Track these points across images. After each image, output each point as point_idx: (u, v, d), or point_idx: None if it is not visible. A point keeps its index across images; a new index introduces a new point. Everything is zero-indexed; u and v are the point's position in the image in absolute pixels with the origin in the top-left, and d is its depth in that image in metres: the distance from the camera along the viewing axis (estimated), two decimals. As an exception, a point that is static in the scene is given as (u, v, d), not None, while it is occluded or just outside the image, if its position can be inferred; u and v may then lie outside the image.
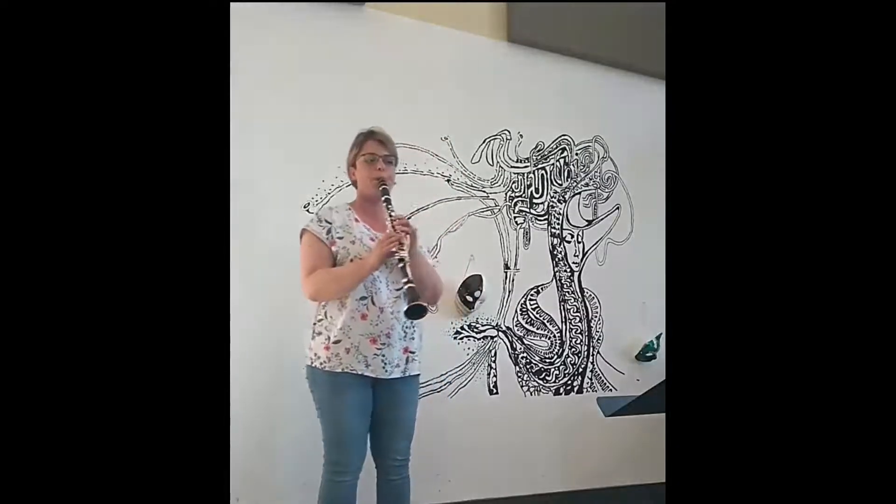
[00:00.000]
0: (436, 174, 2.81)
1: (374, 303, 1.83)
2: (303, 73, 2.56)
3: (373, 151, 1.93)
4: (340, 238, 1.87)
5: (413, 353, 1.91)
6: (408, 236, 1.77)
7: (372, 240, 1.89)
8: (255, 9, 2.42)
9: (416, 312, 1.67)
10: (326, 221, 1.89)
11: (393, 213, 1.82)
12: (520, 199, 3.02)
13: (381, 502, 1.94)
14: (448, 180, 2.83)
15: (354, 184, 2.01)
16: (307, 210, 2.52)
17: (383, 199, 1.86)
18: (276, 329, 2.42)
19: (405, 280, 1.70)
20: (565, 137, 3.16)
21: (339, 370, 1.80)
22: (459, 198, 2.86)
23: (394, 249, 1.73)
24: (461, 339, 2.80)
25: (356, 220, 1.93)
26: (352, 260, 1.85)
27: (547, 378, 3.01)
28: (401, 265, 1.72)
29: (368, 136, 1.96)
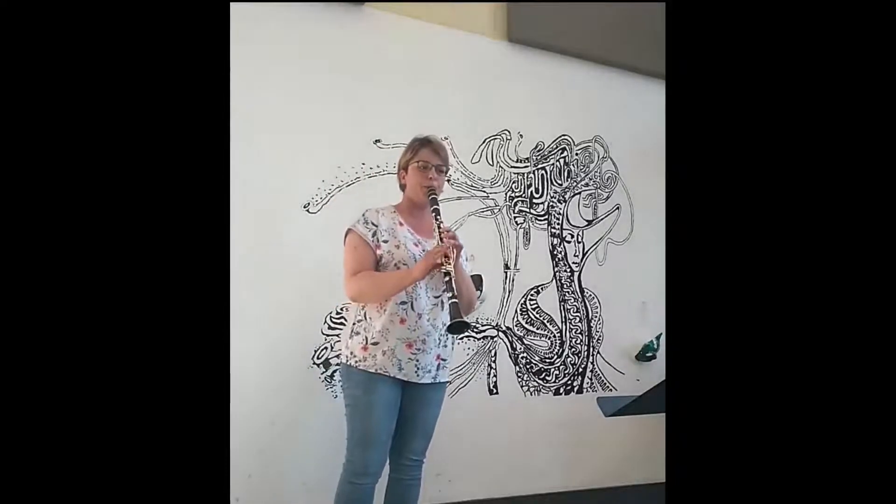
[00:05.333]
0: (436, 174, 2.81)
1: (413, 308, 1.86)
2: (303, 73, 2.56)
3: (426, 159, 1.96)
4: (385, 241, 1.89)
5: (444, 360, 1.93)
6: (454, 250, 1.80)
7: (416, 245, 1.92)
8: (255, 8, 2.42)
9: (458, 328, 1.72)
10: (373, 224, 1.91)
11: (442, 225, 1.85)
12: (520, 199, 3.02)
13: (388, 500, 1.94)
14: (448, 180, 2.83)
15: (402, 187, 2.03)
16: (307, 210, 2.52)
17: (432, 208, 1.89)
18: (277, 330, 2.43)
19: (450, 296, 1.73)
20: (565, 137, 3.16)
21: (374, 370, 1.83)
22: (459, 198, 2.86)
23: (440, 262, 1.76)
24: (461, 339, 2.80)
25: (400, 224, 1.95)
26: (396, 265, 1.87)
27: (547, 378, 3.01)
28: (446, 279, 1.75)
29: (424, 144, 1.99)
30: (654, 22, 3.04)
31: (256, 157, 2.40)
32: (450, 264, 1.77)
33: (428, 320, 1.88)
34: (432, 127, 2.79)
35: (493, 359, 2.88)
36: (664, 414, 1.10)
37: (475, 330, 2.84)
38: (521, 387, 2.94)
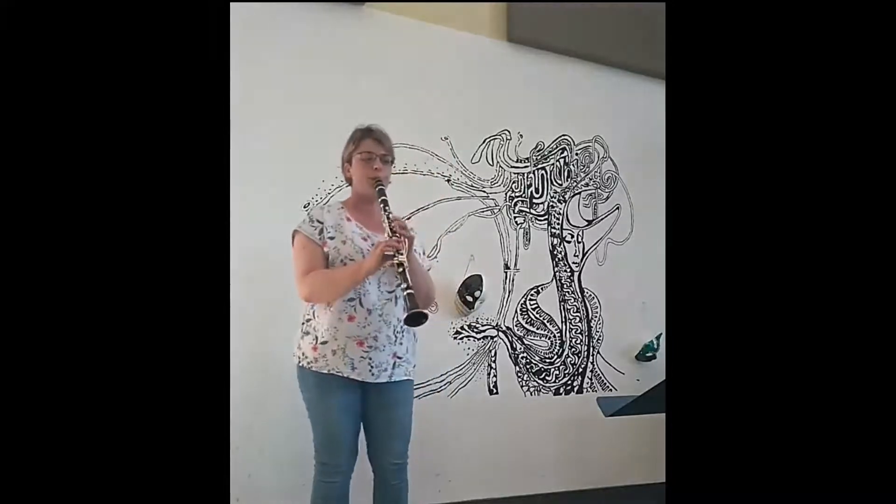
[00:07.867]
0: (436, 174, 2.81)
1: (361, 304, 1.80)
2: (303, 72, 2.56)
3: (370, 150, 1.88)
4: (332, 238, 1.83)
5: (400, 358, 1.85)
6: (406, 240, 1.71)
7: (364, 239, 1.85)
8: (255, 9, 2.42)
9: (415, 319, 1.64)
10: (318, 221, 1.85)
11: (391, 215, 1.77)
12: (520, 199, 3.02)
13: None
14: (448, 180, 2.83)
15: (349, 181, 1.96)
16: (307, 210, 2.52)
17: (380, 199, 1.80)
18: (276, 330, 2.42)
19: (404, 286, 1.66)
20: (565, 137, 3.16)
21: (326, 371, 1.78)
22: (459, 198, 2.86)
23: (391, 253, 1.68)
24: (461, 339, 2.80)
25: (348, 220, 1.88)
26: (342, 261, 1.81)
27: (547, 378, 3.01)
28: (399, 270, 1.68)
29: (366, 134, 1.91)
30: (654, 22, 3.04)
31: (256, 156, 2.40)
32: (402, 255, 1.68)
33: (380, 316, 1.80)
34: (432, 127, 2.82)
35: (493, 359, 2.88)
36: (664, 414, 1.10)
37: (475, 330, 2.84)
38: (521, 387, 2.94)
